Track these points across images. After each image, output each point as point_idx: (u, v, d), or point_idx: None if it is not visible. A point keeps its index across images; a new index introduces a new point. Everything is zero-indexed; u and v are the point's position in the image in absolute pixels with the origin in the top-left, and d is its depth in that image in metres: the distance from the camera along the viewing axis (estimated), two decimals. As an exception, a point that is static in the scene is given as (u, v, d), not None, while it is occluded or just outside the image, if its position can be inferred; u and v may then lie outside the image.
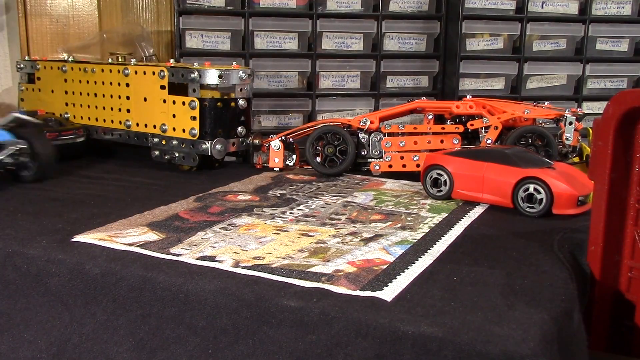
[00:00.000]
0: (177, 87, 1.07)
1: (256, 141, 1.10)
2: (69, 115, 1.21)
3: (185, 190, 0.92)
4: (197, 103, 1.02)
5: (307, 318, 0.51)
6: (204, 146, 1.04)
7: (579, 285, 0.61)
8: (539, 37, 1.48)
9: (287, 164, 1.10)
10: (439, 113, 1.10)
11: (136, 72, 1.10)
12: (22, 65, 1.29)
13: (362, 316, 0.49)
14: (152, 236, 0.69)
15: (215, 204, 0.84)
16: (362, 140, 1.07)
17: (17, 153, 0.92)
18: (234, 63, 1.09)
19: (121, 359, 0.57)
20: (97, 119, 1.17)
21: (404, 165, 1.05)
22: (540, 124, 1.03)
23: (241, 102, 1.07)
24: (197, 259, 0.62)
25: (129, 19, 1.51)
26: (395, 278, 0.57)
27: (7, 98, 1.43)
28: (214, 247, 0.65)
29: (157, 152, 1.09)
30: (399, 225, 0.75)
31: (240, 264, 0.60)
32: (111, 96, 1.14)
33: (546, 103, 1.09)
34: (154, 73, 1.07)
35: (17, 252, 0.64)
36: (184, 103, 1.04)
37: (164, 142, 1.08)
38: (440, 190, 0.88)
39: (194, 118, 1.03)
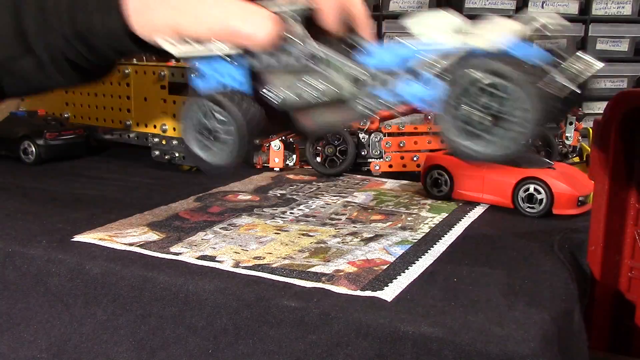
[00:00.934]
0: (177, 87, 1.07)
1: (256, 141, 1.10)
2: (69, 115, 1.21)
3: (185, 190, 0.92)
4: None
5: (307, 318, 0.51)
6: (204, 146, 1.03)
7: (579, 285, 0.61)
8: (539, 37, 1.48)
9: (287, 164, 1.10)
10: (439, 113, 1.10)
11: (136, 72, 1.10)
12: (22, 65, 1.29)
13: (363, 316, 0.49)
14: (152, 236, 0.69)
15: (215, 204, 0.84)
16: (362, 140, 1.07)
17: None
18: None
19: (121, 359, 0.57)
20: (97, 119, 1.17)
21: (404, 165, 1.05)
22: (541, 124, 1.03)
23: (241, 102, 1.07)
24: (198, 258, 0.62)
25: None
26: (396, 278, 0.57)
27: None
28: (214, 247, 0.65)
29: (157, 152, 1.09)
30: (399, 225, 0.75)
31: (240, 264, 0.60)
32: (111, 96, 1.14)
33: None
34: (154, 73, 1.07)
35: (17, 252, 0.64)
36: (184, 103, 1.04)
37: (164, 142, 1.08)
38: (441, 190, 0.88)
39: (194, 118, 1.03)
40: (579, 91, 0.45)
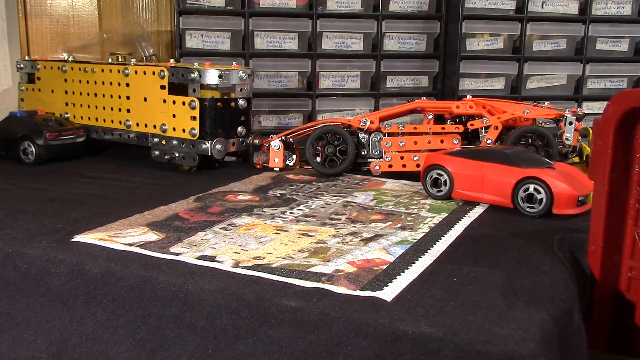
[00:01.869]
0: (177, 87, 1.07)
1: (256, 141, 1.10)
2: (69, 115, 1.21)
3: (185, 190, 0.92)
4: (197, 103, 1.02)
5: (307, 318, 0.51)
6: (204, 146, 1.04)
7: (579, 285, 0.61)
8: (539, 37, 1.48)
9: (287, 164, 1.10)
10: (439, 113, 1.10)
11: (136, 72, 1.10)
12: (22, 65, 1.29)
13: (362, 316, 0.49)
14: (152, 236, 0.69)
15: (215, 204, 0.84)
16: (362, 140, 1.07)
17: None
18: (234, 63, 1.09)
19: (121, 359, 0.57)
20: (97, 119, 1.18)
21: (404, 165, 1.05)
22: (540, 124, 1.03)
23: (241, 102, 1.07)
24: (197, 258, 0.62)
25: (129, 19, 1.51)
26: (396, 278, 0.57)
27: (7, 98, 1.43)
28: (214, 247, 0.65)
29: (157, 152, 1.09)
30: (399, 225, 0.75)
31: (240, 264, 0.60)
32: (111, 96, 1.14)
33: (546, 103, 1.09)
34: (154, 73, 1.07)
35: (17, 252, 0.64)
36: (184, 103, 1.04)
37: (164, 142, 1.08)
38: (441, 190, 0.88)
39: (194, 118, 1.03)
40: None
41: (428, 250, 0.66)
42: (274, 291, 0.54)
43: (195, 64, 1.08)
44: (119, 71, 1.12)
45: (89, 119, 1.19)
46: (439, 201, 0.87)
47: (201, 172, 1.07)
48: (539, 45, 1.48)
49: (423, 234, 0.72)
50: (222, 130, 1.05)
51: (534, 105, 1.06)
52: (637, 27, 1.51)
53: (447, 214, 0.80)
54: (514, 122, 1.03)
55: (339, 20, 1.41)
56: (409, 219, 0.78)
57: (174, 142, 1.06)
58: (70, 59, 1.23)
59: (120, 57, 1.26)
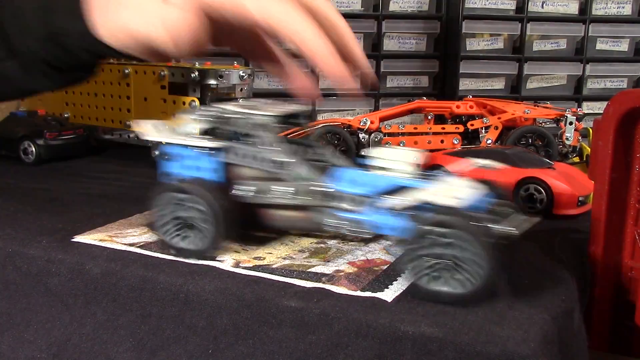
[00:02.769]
0: (177, 87, 1.07)
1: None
2: (69, 115, 1.21)
3: (186, 190, 0.91)
4: (197, 103, 1.02)
5: (307, 318, 0.51)
6: (204, 146, 1.03)
7: (579, 285, 0.61)
8: (539, 37, 1.48)
9: (287, 164, 1.10)
10: (439, 113, 1.10)
11: (136, 72, 1.10)
12: (22, 65, 1.29)
13: (363, 316, 0.49)
14: (152, 236, 0.68)
15: (215, 204, 0.84)
16: (362, 140, 1.07)
17: None
18: (234, 63, 1.09)
19: (121, 359, 0.57)
20: (97, 119, 1.18)
21: (404, 165, 1.04)
22: (541, 124, 1.03)
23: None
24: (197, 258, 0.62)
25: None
26: (396, 280, 0.57)
27: (7, 98, 1.43)
28: (214, 247, 0.65)
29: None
30: (399, 225, 0.75)
31: (240, 264, 0.60)
32: (111, 96, 1.14)
33: (546, 103, 1.09)
34: (154, 73, 1.07)
35: (17, 252, 0.64)
36: (184, 103, 1.04)
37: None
38: (441, 190, 0.88)
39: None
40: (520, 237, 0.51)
41: (428, 251, 0.65)
42: (274, 291, 0.54)
43: (195, 63, 1.08)
44: (119, 71, 1.12)
45: (89, 119, 1.19)
46: (439, 201, 0.87)
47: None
48: (539, 45, 1.48)
49: (423, 234, 0.71)
50: (222, 130, 1.05)
51: (534, 105, 1.06)
52: (637, 27, 1.51)
53: (447, 214, 0.80)
54: (514, 122, 1.03)
55: (339, 20, 1.40)
56: (409, 219, 0.78)
57: (174, 142, 1.06)
58: (70, 59, 1.22)
59: (120, 57, 1.26)
